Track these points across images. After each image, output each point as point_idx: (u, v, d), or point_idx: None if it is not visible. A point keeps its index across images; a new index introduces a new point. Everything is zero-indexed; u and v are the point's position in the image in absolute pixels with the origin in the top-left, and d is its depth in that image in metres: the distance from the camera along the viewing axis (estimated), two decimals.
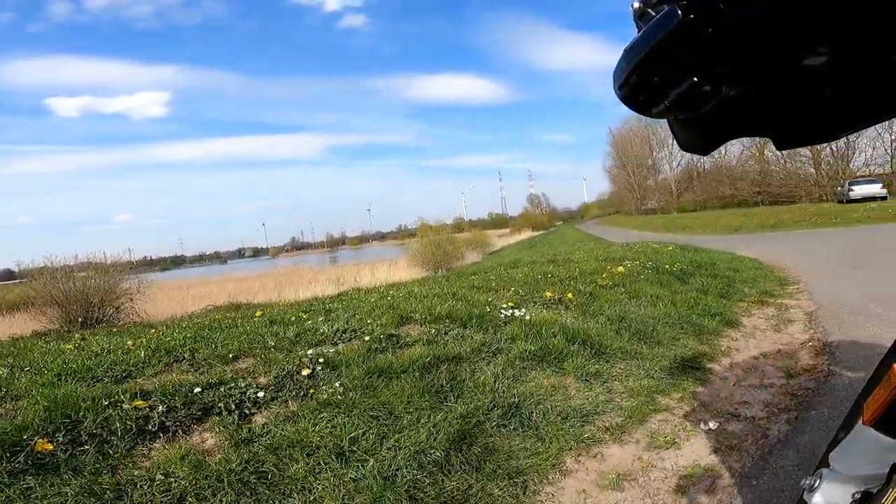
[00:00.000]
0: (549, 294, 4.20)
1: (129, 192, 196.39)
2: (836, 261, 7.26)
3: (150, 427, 2.17)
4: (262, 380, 2.72)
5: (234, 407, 2.38)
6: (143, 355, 3.00)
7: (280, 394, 2.56)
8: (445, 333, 3.38)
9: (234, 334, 3.45)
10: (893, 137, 27.77)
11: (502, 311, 3.72)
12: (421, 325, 3.56)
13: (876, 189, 21.39)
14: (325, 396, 2.54)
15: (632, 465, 2.27)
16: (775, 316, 4.32)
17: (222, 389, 2.50)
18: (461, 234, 31.51)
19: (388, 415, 2.45)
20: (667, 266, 5.78)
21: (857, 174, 27.22)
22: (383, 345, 3.15)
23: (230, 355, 2.98)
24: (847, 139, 27.58)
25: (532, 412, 2.59)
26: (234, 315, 4.63)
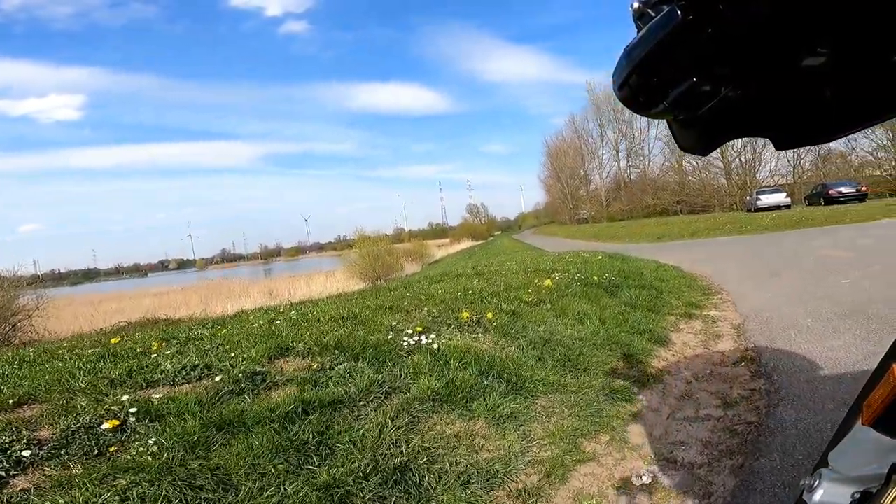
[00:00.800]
0: (466, 315, 3.66)
1: (36, 200, 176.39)
2: (753, 268, 7.38)
3: None
4: (45, 433, 2.04)
5: None
6: None
7: (63, 452, 1.89)
8: (330, 368, 2.73)
9: (39, 372, 2.63)
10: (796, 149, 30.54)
11: (406, 337, 3.11)
12: (303, 358, 2.88)
13: (781, 198, 23.19)
14: (128, 457, 1.87)
15: None
16: (703, 330, 4.05)
17: None
18: (401, 245, 31.31)
19: (217, 484, 1.80)
20: (595, 278, 5.46)
21: (763, 184, 29.57)
22: (241, 386, 2.47)
23: (11, 401, 2.24)
24: (754, 151, 30.07)
25: (424, 475, 2.00)
26: (75, 343, 3.69)
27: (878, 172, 26.87)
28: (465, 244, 53.65)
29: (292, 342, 3.03)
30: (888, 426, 0.51)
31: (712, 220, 21.10)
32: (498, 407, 2.53)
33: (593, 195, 49.47)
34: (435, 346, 3.01)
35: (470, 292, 4.49)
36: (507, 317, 3.76)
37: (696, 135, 0.51)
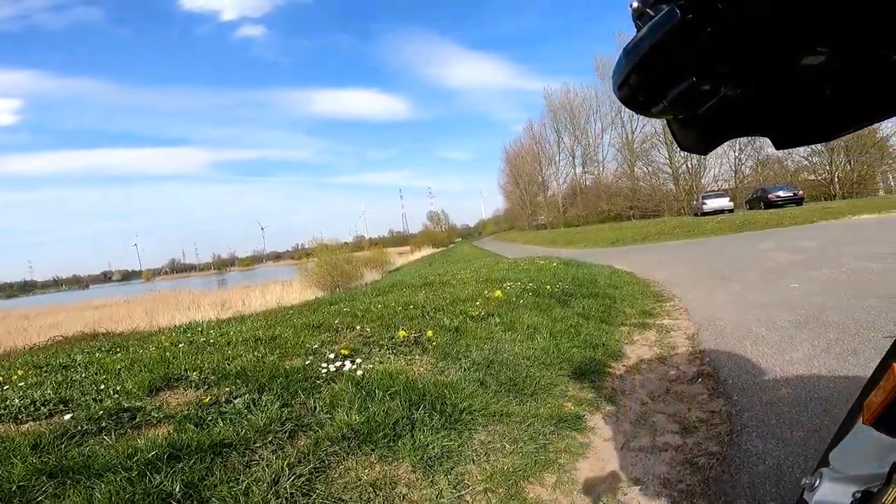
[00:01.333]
0: (402, 333, 3.25)
1: None
2: (703, 272, 7.37)
3: None
4: None
5: None
6: None
7: None
8: (226, 402, 2.29)
9: None
10: (737, 155, 32.07)
11: (327, 363, 2.68)
12: (195, 390, 2.42)
13: (724, 202, 24.18)
14: None
15: None
16: (658, 342, 3.82)
17: None
18: (361, 253, 31.00)
19: None
20: (548, 287, 5.20)
21: (708, 189, 30.81)
22: (102, 425, 2.05)
23: None
24: (699, 157, 31.35)
25: None
26: None
27: (813, 177, 28.61)
28: (426, 251, 53.30)
29: (186, 370, 2.55)
30: (889, 425, 0.50)
31: (662, 225, 21.68)
32: (428, 445, 2.15)
33: (550, 201, 50.28)
34: (359, 372, 2.59)
35: (411, 307, 4.10)
36: (449, 334, 3.38)
37: (696, 134, 0.50)
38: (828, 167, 27.98)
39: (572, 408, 2.63)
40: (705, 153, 0.54)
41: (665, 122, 0.54)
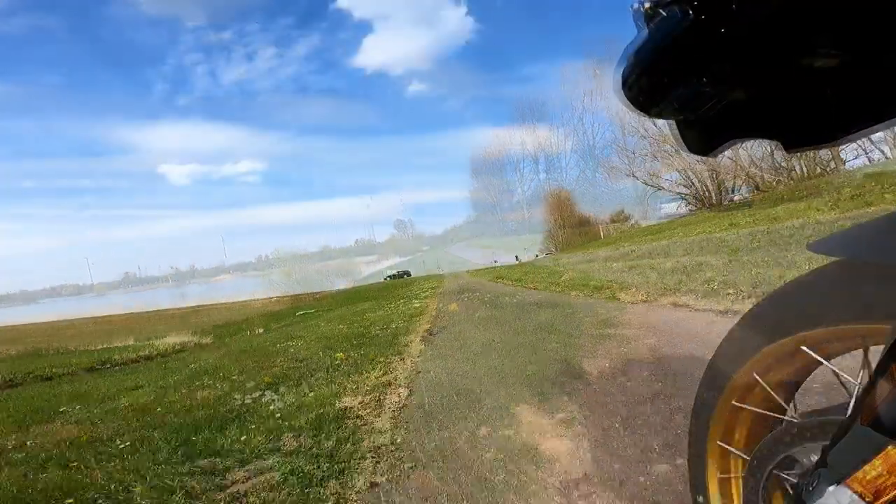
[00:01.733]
0: (341, 356, 2.91)
1: None
2: (666, 276, 7.33)
3: None
4: None
5: None
6: None
7: None
8: (108, 441, 1.89)
9: None
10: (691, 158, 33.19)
11: (242, 394, 2.30)
12: (76, 426, 2.02)
13: (681, 206, 24.99)
14: None
15: None
16: (619, 354, 3.61)
17: None
18: (328, 262, 30.60)
19: None
20: (507, 298, 4.96)
21: (666, 192, 31.71)
22: None
23: None
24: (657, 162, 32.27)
25: None
26: None
27: (760, 180, 29.89)
28: (394, 260, 52.86)
29: (70, 403, 2.15)
30: (887, 426, 0.51)
31: (625, 229, 22.11)
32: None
33: (517, 207, 50.84)
34: (279, 404, 2.24)
35: (356, 324, 3.75)
36: (395, 357, 3.06)
37: (699, 136, 0.50)
38: (776, 169, 29.26)
39: (524, 438, 2.35)
40: (706, 154, 0.53)
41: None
